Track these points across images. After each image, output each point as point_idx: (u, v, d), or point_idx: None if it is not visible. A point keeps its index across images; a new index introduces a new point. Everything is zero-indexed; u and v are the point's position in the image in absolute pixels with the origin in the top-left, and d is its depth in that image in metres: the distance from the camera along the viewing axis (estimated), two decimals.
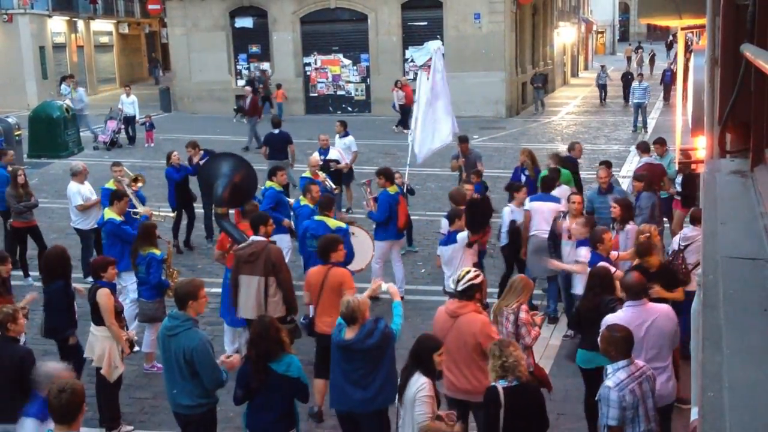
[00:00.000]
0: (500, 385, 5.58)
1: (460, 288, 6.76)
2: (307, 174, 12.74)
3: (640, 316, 6.50)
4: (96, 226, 11.99)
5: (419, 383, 5.81)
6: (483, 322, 6.63)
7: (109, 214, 10.20)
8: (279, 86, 30.08)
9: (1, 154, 13.81)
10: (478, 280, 6.77)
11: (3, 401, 6.48)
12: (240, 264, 8.51)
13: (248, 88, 26.63)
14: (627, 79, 33.45)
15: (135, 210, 10.70)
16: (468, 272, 6.87)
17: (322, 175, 12.64)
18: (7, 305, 7.07)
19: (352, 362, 6.47)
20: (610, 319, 6.45)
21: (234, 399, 6.32)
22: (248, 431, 6.35)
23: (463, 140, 14.71)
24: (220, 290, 9.81)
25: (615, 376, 5.66)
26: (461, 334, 6.56)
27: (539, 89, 31.85)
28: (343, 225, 9.77)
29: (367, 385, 6.44)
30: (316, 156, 13.69)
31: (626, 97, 32.97)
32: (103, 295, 7.86)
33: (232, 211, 10.11)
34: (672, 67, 33.31)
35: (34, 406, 5.56)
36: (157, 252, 9.27)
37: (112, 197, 10.45)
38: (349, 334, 6.42)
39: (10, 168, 13.16)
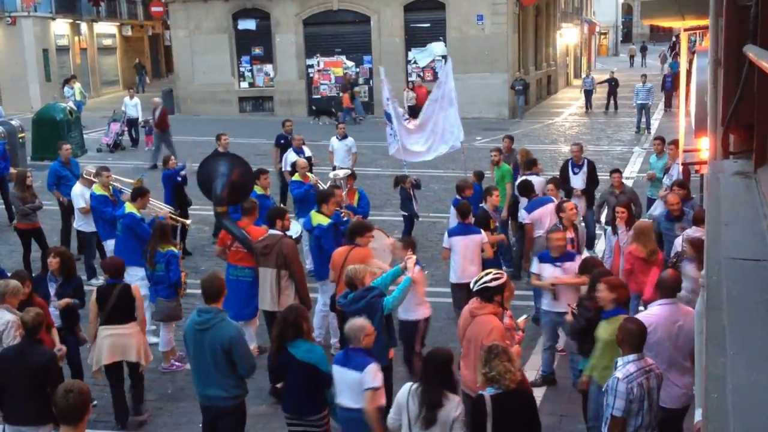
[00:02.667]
0: (487, 393, 5.52)
1: (475, 289, 6.79)
2: (296, 177, 12.63)
3: (674, 314, 6.52)
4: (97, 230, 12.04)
5: (455, 406, 5.62)
6: (493, 326, 6.57)
7: (131, 208, 10.27)
8: (344, 90, 29.99)
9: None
10: (494, 284, 6.71)
11: (27, 405, 6.47)
12: (257, 257, 8.83)
13: (157, 100, 23.18)
14: (611, 85, 31.89)
15: (158, 209, 10.76)
16: (487, 274, 6.84)
17: (312, 178, 12.44)
18: (34, 308, 7.01)
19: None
20: (643, 315, 6.50)
21: (270, 380, 7.04)
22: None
23: (507, 137, 14.92)
24: None
25: (624, 368, 5.70)
26: (474, 335, 6.64)
27: (520, 94, 30.04)
28: (324, 223, 9.68)
29: None
30: (303, 159, 13.55)
31: (608, 105, 32.16)
32: (136, 290, 8.11)
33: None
34: (668, 72, 32.25)
35: (364, 357, 6.17)
36: (176, 249, 9.39)
37: (135, 194, 10.51)
38: None
39: (14, 170, 13.25)
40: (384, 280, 7.58)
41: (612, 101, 32.28)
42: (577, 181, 12.91)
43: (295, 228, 10.84)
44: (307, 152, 15.09)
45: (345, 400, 6.24)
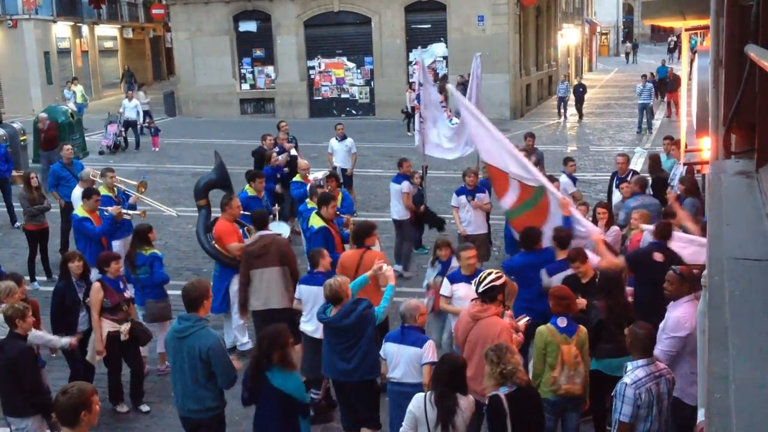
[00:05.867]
0: (502, 392, 5.55)
1: (480, 290, 6.71)
2: (297, 178, 12.67)
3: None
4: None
5: (470, 407, 5.73)
6: (503, 327, 6.60)
7: (77, 209, 10.49)
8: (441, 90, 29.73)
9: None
10: (499, 282, 6.74)
11: (9, 396, 6.72)
12: (251, 259, 8.70)
13: (43, 115, 20.24)
14: (579, 92, 30.33)
15: (106, 209, 10.66)
16: (490, 273, 6.81)
17: (312, 178, 12.52)
18: (19, 302, 7.18)
19: (335, 337, 7.08)
20: (674, 315, 6.40)
21: (242, 400, 6.35)
22: None
23: (530, 135, 15.49)
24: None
25: (633, 373, 5.68)
26: (480, 338, 6.57)
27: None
28: (316, 226, 9.58)
29: (349, 358, 7.02)
30: (305, 161, 13.62)
31: (579, 110, 30.33)
32: (93, 289, 8.24)
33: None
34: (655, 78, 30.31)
35: (420, 335, 6.73)
36: (158, 251, 9.38)
37: (83, 195, 10.66)
38: (333, 312, 7.00)
39: (19, 172, 13.29)
40: (353, 290, 7.37)
41: (578, 108, 30.40)
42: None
43: (284, 229, 10.90)
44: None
45: (399, 374, 6.65)
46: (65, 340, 7.93)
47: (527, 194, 9.17)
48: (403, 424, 5.83)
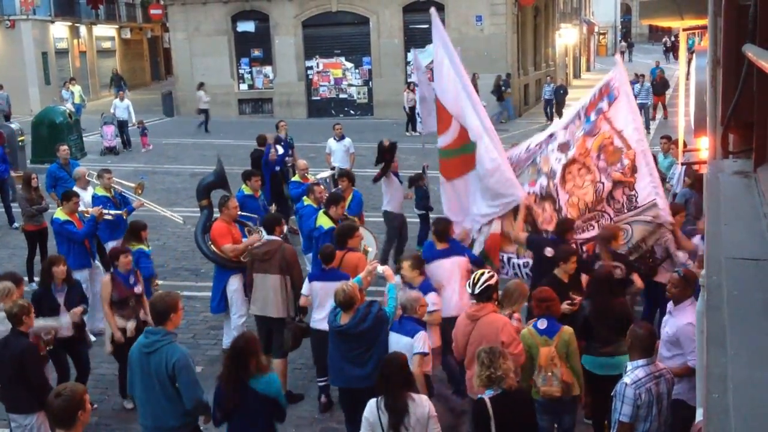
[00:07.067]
0: (487, 395, 5.53)
1: (477, 291, 6.70)
2: (296, 178, 12.67)
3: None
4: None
5: (424, 405, 5.66)
6: (504, 321, 6.61)
7: (57, 213, 10.41)
8: (508, 89, 29.18)
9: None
10: (493, 281, 6.77)
11: (13, 393, 6.75)
12: (255, 263, 8.64)
13: None
14: (559, 92, 29.27)
15: (86, 210, 10.63)
16: (482, 273, 6.82)
17: (312, 178, 12.50)
18: (22, 299, 7.20)
19: (348, 344, 6.89)
20: (686, 325, 6.33)
21: (213, 421, 6.04)
22: None
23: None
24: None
25: (633, 373, 5.67)
26: (482, 336, 6.51)
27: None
28: (325, 226, 9.54)
29: (363, 363, 6.84)
30: (303, 161, 13.62)
31: (559, 113, 27.97)
32: (102, 282, 8.50)
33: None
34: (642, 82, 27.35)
35: (416, 326, 6.80)
36: (146, 248, 9.42)
37: (62, 197, 10.64)
38: (344, 318, 6.84)
39: (20, 172, 13.27)
40: None
41: (558, 111, 28.58)
42: None
43: None
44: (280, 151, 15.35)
45: None
46: (65, 319, 7.84)
47: (462, 140, 9.32)
48: (361, 430, 5.79)
